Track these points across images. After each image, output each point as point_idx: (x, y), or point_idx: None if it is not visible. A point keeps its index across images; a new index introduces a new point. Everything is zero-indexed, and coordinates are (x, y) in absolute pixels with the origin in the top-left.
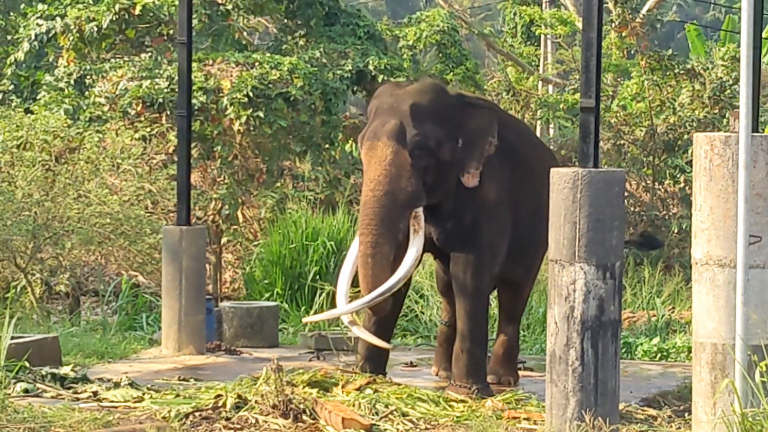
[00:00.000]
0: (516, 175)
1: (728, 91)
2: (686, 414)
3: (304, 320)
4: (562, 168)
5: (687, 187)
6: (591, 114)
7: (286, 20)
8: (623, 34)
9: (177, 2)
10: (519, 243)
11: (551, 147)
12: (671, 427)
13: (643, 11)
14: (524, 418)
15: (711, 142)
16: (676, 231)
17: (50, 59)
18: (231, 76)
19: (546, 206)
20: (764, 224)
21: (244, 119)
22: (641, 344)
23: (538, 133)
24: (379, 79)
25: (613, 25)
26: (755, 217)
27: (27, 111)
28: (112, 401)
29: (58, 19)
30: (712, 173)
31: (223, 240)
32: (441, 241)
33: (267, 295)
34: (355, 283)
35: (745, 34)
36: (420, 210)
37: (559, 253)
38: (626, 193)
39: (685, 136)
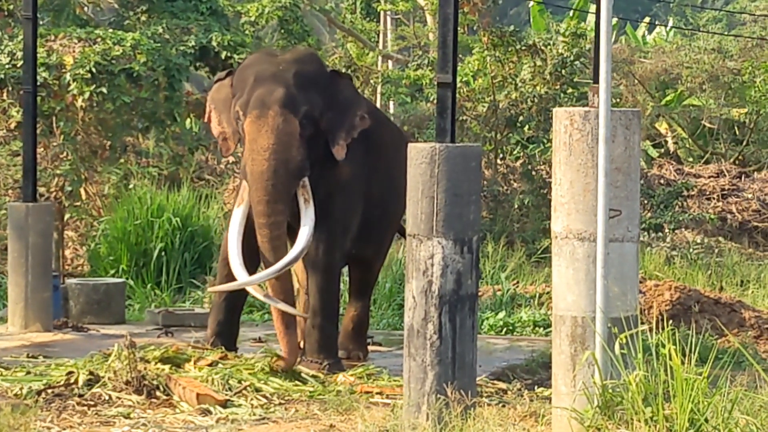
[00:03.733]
0: (369, 153)
1: (569, 66)
2: (536, 387)
3: (208, 289)
4: (419, 143)
5: (528, 163)
6: (448, 89)
7: None
8: (465, 11)
9: None
10: (371, 221)
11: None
12: (525, 399)
13: None
14: (377, 393)
15: (570, 117)
16: (517, 206)
17: None
18: (74, 51)
19: (396, 184)
20: (623, 198)
21: (87, 95)
22: (487, 318)
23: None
24: (222, 56)
25: None
26: (615, 191)
27: None
28: None
29: None
30: (571, 148)
31: (66, 216)
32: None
33: (112, 271)
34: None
35: (604, 9)
36: (306, 179)
37: (416, 228)
38: None
39: (527, 112)
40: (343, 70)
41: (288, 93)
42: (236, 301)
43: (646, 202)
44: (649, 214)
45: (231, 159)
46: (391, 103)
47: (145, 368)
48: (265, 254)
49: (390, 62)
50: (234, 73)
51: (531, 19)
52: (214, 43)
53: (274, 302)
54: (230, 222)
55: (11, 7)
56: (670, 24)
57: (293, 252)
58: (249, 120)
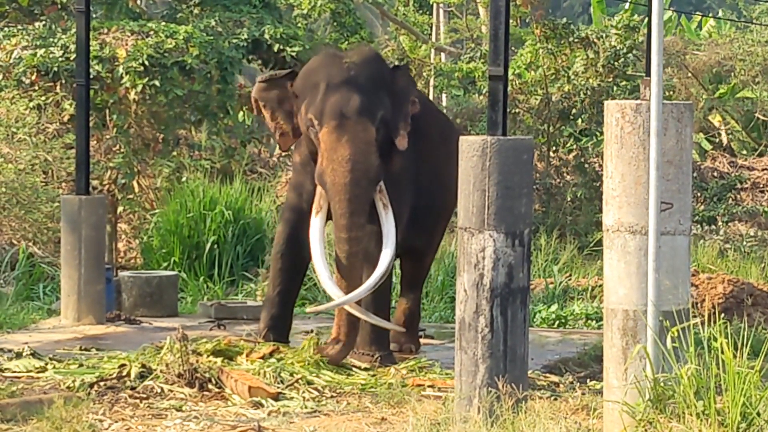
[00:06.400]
0: (416, 144)
1: (622, 59)
2: (588, 380)
3: (308, 310)
4: (470, 136)
5: (581, 155)
6: (500, 82)
7: None
8: (517, 3)
9: None
10: (421, 211)
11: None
12: (577, 392)
13: None
14: (429, 386)
15: (622, 110)
16: (569, 199)
17: None
18: (126, 44)
19: (442, 174)
20: (675, 191)
21: (139, 88)
22: (539, 311)
23: None
24: (275, 48)
25: None
26: (666, 184)
27: None
28: (15, 371)
29: None
30: (623, 141)
31: (119, 209)
32: None
33: (165, 264)
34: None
35: (656, 2)
36: (383, 183)
37: (468, 221)
38: None
39: (579, 105)
40: (396, 63)
41: (364, 100)
42: (289, 295)
43: (699, 194)
44: (702, 207)
45: (282, 152)
46: (444, 95)
47: (197, 361)
48: (340, 266)
49: (442, 55)
50: (293, 75)
51: (591, 13)
52: (266, 36)
53: (372, 318)
54: (311, 233)
55: (64, 0)
56: (720, 15)
57: (381, 266)
58: (327, 130)
